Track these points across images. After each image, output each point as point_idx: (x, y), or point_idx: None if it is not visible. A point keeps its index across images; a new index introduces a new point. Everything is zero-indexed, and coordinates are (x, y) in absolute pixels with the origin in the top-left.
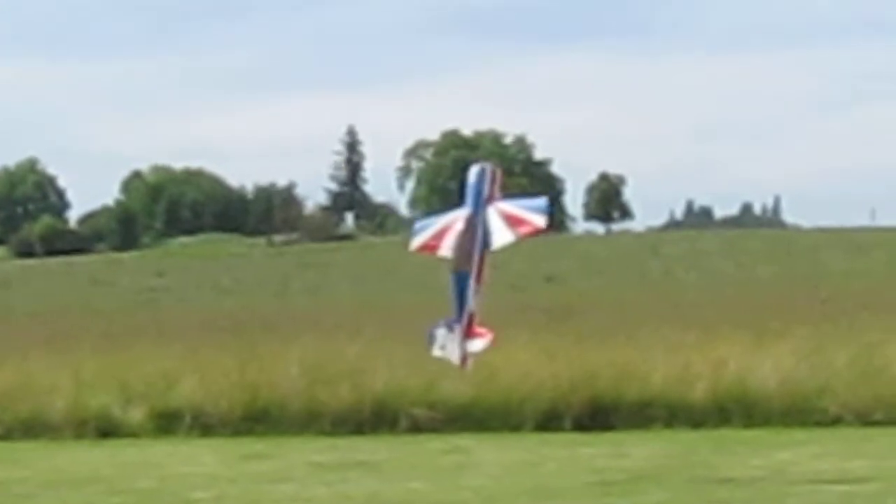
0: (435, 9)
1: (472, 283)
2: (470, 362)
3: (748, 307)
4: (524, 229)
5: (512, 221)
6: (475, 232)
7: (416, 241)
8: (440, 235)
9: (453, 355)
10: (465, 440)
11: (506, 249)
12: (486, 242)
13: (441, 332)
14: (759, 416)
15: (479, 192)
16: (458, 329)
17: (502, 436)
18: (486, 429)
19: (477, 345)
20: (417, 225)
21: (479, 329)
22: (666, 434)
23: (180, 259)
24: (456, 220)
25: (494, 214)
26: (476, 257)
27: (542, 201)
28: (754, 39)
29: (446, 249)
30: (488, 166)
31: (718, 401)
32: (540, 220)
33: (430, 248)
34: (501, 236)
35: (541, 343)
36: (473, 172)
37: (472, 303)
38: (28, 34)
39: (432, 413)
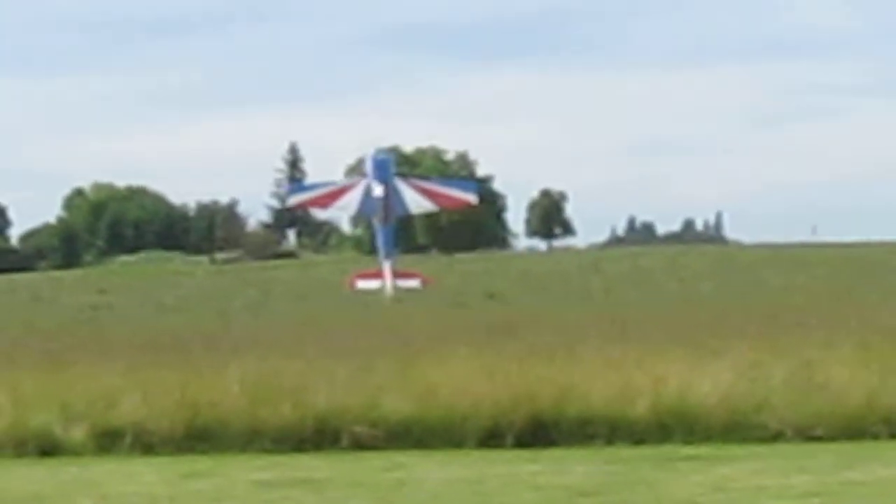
0: (378, 25)
1: (392, 235)
2: (395, 295)
3: (689, 324)
4: (449, 203)
5: (435, 197)
6: (391, 198)
7: (296, 199)
8: (332, 196)
9: (385, 290)
10: (407, 457)
11: (445, 267)
12: (402, 209)
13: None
14: (699, 432)
15: (388, 171)
16: (388, 268)
17: (444, 453)
18: (428, 446)
19: (410, 283)
20: (292, 187)
21: (408, 271)
22: (607, 451)
23: (122, 277)
24: (348, 186)
25: (407, 188)
26: (391, 216)
27: (471, 183)
28: (695, 54)
29: (343, 207)
30: (388, 152)
31: (659, 417)
32: (470, 196)
33: (319, 204)
34: (419, 205)
35: (482, 360)
36: (377, 155)
37: (393, 249)
38: None
39: (374, 430)
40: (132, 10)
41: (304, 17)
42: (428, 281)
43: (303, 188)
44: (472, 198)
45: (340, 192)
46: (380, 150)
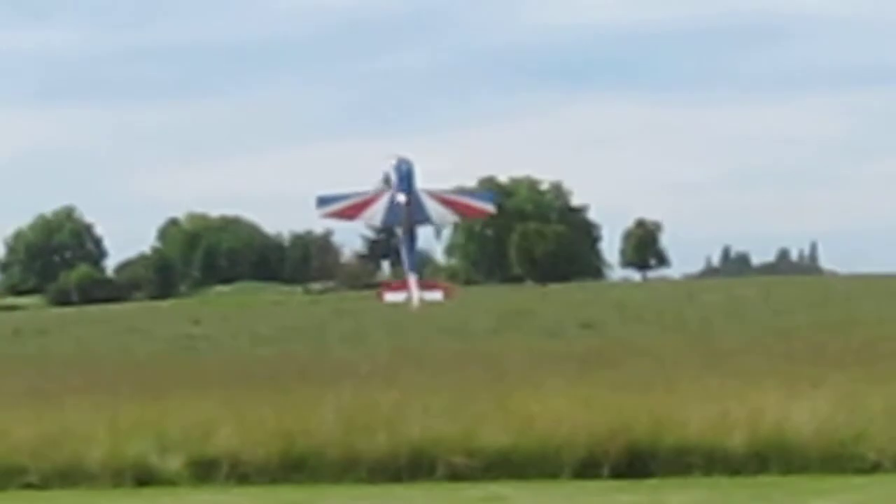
0: (471, 56)
1: (415, 247)
2: (421, 306)
3: (785, 354)
4: (469, 213)
5: (456, 206)
6: (414, 208)
7: (326, 210)
8: (358, 207)
9: (412, 299)
10: (503, 488)
11: (540, 297)
12: (425, 218)
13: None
14: (796, 463)
15: (411, 179)
16: (413, 278)
17: (540, 483)
18: (524, 476)
19: (434, 295)
20: (322, 197)
21: (433, 283)
22: (704, 482)
23: (217, 307)
24: (374, 197)
25: (429, 199)
26: (415, 226)
27: (488, 193)
28: (791, 85)
29: (368, 218)
30: (410, 161)
31: (756, 448)
32: (488, 206)
33: (345, 215)
34: (442, 216)
35: (578, 390)
36: (400, 164)
37: (417, 261)
38: (64, 82)
39: (470, 461)
40: (227, 40)
41: (398, 48)
42: (451, 293)
43: (330, 200)
44: (490, 208)
45: (367, 202)
46: (402, 160)
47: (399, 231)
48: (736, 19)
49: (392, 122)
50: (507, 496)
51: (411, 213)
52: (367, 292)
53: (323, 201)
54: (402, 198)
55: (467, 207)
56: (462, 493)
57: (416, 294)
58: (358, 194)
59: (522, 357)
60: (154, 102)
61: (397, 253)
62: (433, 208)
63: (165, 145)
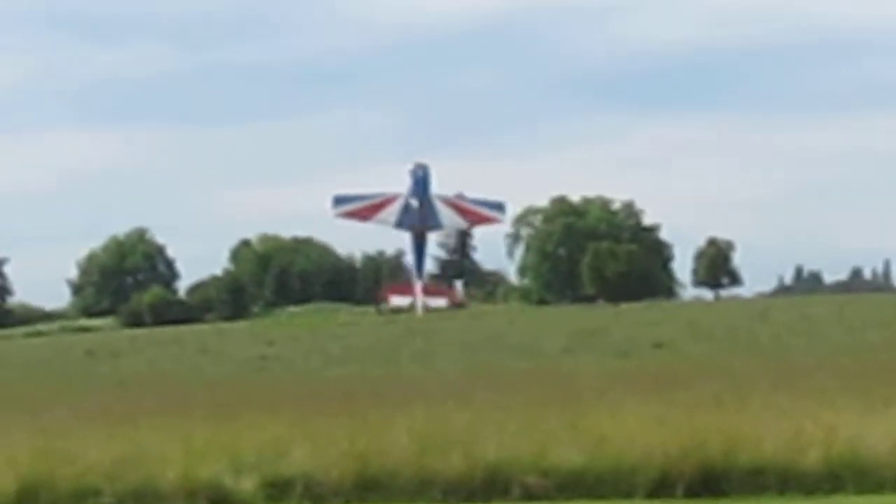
0: (543, 76)
1: (426, 248)
2: (425, 314)
3: (858, 373)
4: (480, 220)
5: (467, 213)
6: (427, 212)
7: (342, 210)
8: (373, 209)
9: (416, 306)
10: None
11: (612, 317)
12: (436, 223)
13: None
14: (872, 482)
15: (426, 186)
16: (419, 283)
17: (614, 503)
18: (598, 496)
19: (438, 302)
20: (339, 197)
21: (439, 289)
22: (778, 501)
23: (289, 328)
24: (387, 200)
25: (442, 205)
26: (427, 230)
27: (498, 203)
28: (863, 100)
29: (381, 220)
30: (427, 167)
31: (831, 467)
32: (497, 214)
33: (360, 215)
34: (451, 222)
35: (650, 410)
36: (417, 169)
37: (425, 264)
38: (135, 104)
39: (544, 481)
40: (301, 62)
41: (471, 69)
42: (456, 300)
43: (346, 199)
44: (499, 216)
45: (382, 204)
46: (419, 166)
47: (410, 236)
48: (805, 36)
49: (464, 143)
50: None
51: (424, 218)
52: (440, 313)
53: (339, 201)
54: (415, 202)
55: (477, 215)
56: None
57: (419, 300)
58: (374, 196)
59: (595, 376)
60: (226, 124)
61: (470, 273)
62: (445, 214)
63: (237, 167)
